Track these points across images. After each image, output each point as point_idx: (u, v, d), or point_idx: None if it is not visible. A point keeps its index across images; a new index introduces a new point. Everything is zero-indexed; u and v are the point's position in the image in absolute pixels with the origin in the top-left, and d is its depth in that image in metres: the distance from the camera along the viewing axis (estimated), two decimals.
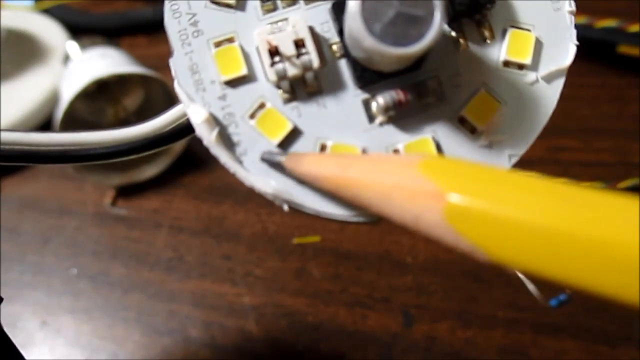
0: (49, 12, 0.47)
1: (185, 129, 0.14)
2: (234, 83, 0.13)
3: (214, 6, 0.13)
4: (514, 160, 0.14)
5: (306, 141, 0.14)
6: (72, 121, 0.35)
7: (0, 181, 0.38)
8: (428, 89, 0.14)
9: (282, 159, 0.13)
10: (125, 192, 0.37)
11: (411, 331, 0.29)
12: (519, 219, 0.08)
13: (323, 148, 0.14)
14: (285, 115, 0.13)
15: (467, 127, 0.14)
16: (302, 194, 0.14)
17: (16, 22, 0.44)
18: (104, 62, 0.38)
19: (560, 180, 0.09)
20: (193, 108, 0.13)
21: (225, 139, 0.13)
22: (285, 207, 0.14)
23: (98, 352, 0.31)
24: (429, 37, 0.11)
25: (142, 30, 0.47)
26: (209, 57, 0.13)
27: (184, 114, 0.14)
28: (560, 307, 0.29)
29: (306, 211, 0.14)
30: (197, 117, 0.13)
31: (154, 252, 0.34)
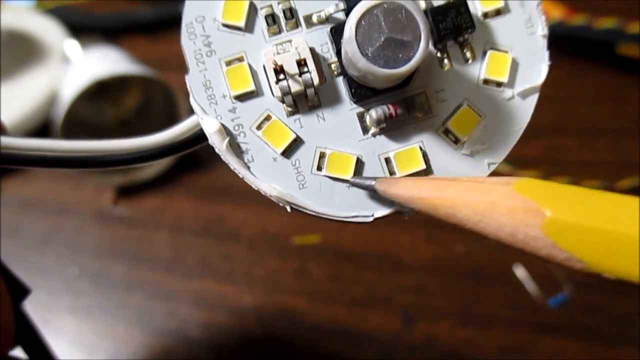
0: (49, 12, 0.47)
1: (198, 137, 0.15)
2: (242, 97, 0.15)
3: (225, 29, 0.15)
4: (493, 167, 0.15)
5: (307, 150, 0.15)
6: (72, 121, 0.35)
7: (1, 181, 0.38)
8: (416, 103, 0.15)
9: (372, 183, 0.14)
10: (125, 192, 0.37)
11: (411, 331, 0.29)
12: (612, 230, 0.10)
13: (322, 156, 0.15)
14: (288, 127, 0.15)
15: (451, 138, 0.15)
16: (302, 197, 0.15)
17: (16, 23, 0.44)
18: (105, 62, 0.38)
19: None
20: (206, 120, 0.15)
21: (235, 147, 0.15)
22: (288, 208, 0.15)
23: (99, 351, 0.31)
24: (415, 59, 0.13)
25: (142, 30, 0.47)
26: (221, 74, 0.15)
27: (198, 124, 0.15)
28: (559, 307, 0.29)
29: (307, 212, 0.15)
30: (210, 127, 0.15)
31: (154, 252, 0.34)
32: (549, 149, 0.34)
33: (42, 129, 0.39)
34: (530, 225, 0.11)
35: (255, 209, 0.34)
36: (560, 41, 0.36)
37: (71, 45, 0.43)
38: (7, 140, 0.15)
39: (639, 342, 0.28)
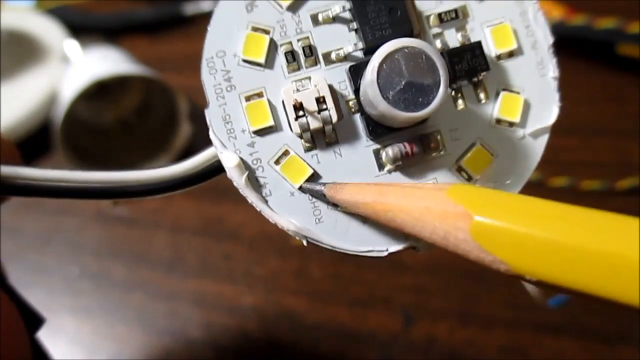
0: (49, 12, 0.47)
1: (215, 169, 0.15)
2: (261, 132, 0.15)
3: (245, 64, 0.15)
4: None
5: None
6: (72, 121, 0.35)
7: None
8: (431, 142, 0.15)
9: (322, 188, 0.15)
10: None
11: (411, 331, 0.29)
12: (535, 235, 0.10)
13: None
14: (306, 162, 0.15)
15: (464, 176, 0.16)
16: (319, 231, 0.15)
17: (16, 23, 0.44)
18: (104, 62, 0.38)
19: (568, 203, 0.11)
20: (226, 154, 0.15)
21: (253, 182, 0.15)
22: (305, 242, 0.15)
23: (99, 352, 0.31)
24: (435, 103, 0.14)
25: (142, 30, 0.47)
26: (240, 109, 0.15)
27: (215, 156, 0.15)
28: (559, 307, 0.29)
29: (323, 246, 0.15)
30: (230, 162, 0.15)
31: (154, 252, 0.34)
32: (549, 149, 0.34)
33: (42, 129, 0.39)
34: (460, 229, 0.11)
35: (255, 209, 0.34)
36: (560, 41, 0.36)
37: (71, 45, 0.43)
38: (23, 171, 0.15)
39: (639, 342, 0.28)
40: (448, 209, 0.12)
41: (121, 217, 0.36)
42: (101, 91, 0.38)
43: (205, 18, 0.48)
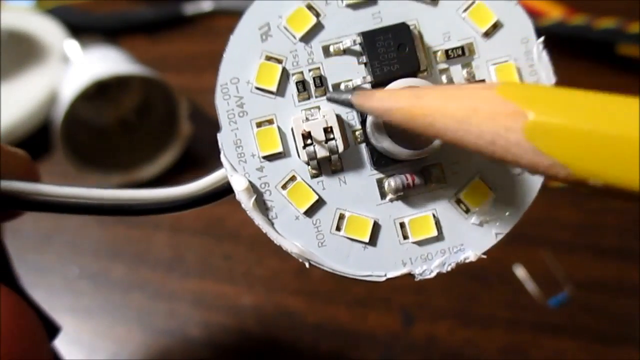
0: (49, 12, 0.47)
1: (225, 190, 0.16)
2: (270, 158, 0.16)
3: (258, 92, 0.16)
4: (500, 237, 0.16)
5: (328, 211, 0.16)
6: (72, 121, 0.35)
7: None
8: (432, 174, 0.16)
9: (348, 96, 0.14)
10: None
11: (411, 331, 0.29)
12: (601, 131, 0.09)
13: (342, 217, 0.16)
14: (311, 188, 0.16)
15: (463, 208, 0.16)
16: (321, 254, 0.16)
17: (17, 23, 0.44)
18: (104, 63, 0.38)
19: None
20: (236, 177, 0.15)
21: (260, 204, 0.16)
22: (307, 265, 0.16)
23: (98, 351, 0.31)
24: (436, 142, 0.14)
25: (142, 30, 0.47)
26: (251, 134, 0.16)
27: (224, 177, 0.16)
28: (559, 307, 0.29)
29: (324, 269, 0.16)
30: (239, 185, 0.15)
31: (154, 252, 0.34)
32: None
33: (42, 129, 0.39)
34: (511, 130, 0.10)
35: None
36: (560, 41, 0.36)
37: (71, 45, 0.43)
38: (40, 187, 0.16)
39: (639, 342, 0.28)
40: (498, 109, 0.10)
41: (121, 217, 0.36)
42: (101, 91, 0.39)
43: (205, 18, 0.48)
